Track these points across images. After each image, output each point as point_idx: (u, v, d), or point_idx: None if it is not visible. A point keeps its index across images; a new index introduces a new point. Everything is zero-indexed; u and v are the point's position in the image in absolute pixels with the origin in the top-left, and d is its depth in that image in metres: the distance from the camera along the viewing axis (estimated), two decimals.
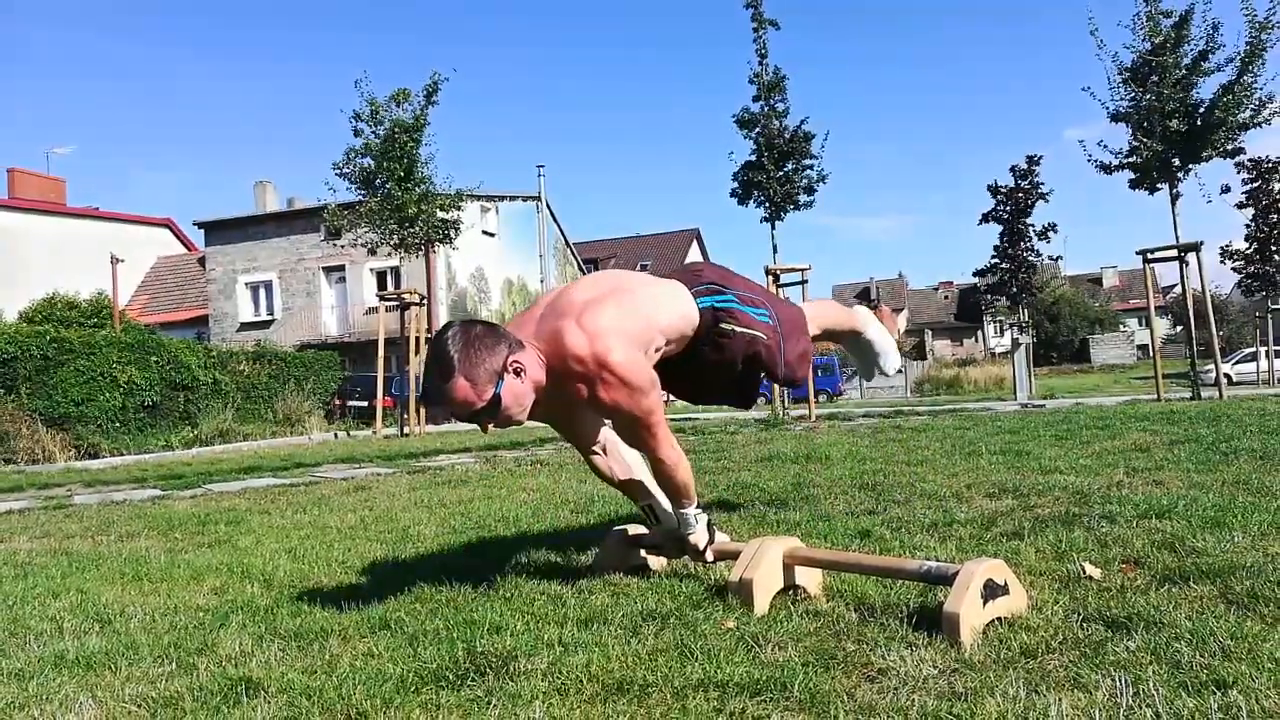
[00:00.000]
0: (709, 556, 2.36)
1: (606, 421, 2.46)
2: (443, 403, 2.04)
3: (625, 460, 2.50)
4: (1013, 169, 22.93)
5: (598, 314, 2.13)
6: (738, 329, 2.41)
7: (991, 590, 1.78)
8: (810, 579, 2.14)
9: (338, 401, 17.46)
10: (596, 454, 2.49)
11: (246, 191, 58.37)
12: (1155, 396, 10.87)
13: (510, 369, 2.05)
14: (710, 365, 2.46)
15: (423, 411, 12.38)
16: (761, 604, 2.01)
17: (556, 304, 2.24)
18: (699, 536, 2.34)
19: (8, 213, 29.07)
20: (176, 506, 4.98)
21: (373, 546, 3.24)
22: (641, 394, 2.12)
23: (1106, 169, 11.60)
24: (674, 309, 2.34)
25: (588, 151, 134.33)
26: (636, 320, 2.20)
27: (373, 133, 13.32)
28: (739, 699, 1.48)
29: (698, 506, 2.36)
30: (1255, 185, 21.36)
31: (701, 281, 2.45)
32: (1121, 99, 11.33)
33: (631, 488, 2.51)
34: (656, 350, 2.30)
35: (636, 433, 2.24)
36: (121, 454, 11.55)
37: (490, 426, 2.10)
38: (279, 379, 16.09)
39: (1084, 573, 2.10)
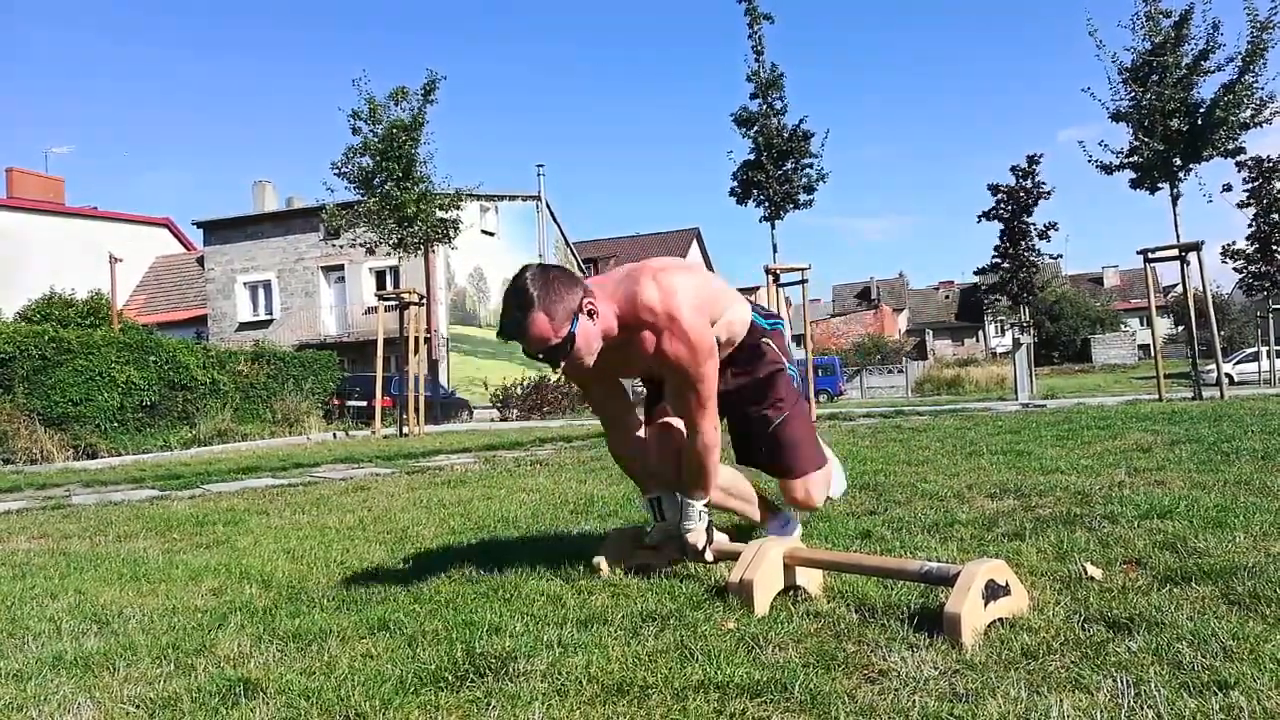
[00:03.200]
0: (708, 556, 2.35)
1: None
2: (519, 337, 2.11)
3: (653, 445, 2.52)
4: (1013, 168, 22.89)
5: (674, 277, 2.25)
6: (773, 347, 2.54)
7: (993, 591, 1.77)
8: (811, 580, 2.13)
9: (336, 401, 17.42)
10: (621, 429, 2.54)
11: (245, 191, 58.42)
12: (1157, 396, 10.86)
13: (585, 310, 2.13)
14: (738, 373, 2.53)
15: (422, 411, 12.37)
16: (762, 604, 2.00)
17: (634, 269, 2.33)
18: (697, 535, 2.34)
19: (7, 212, 29.08)
20: (174, 507, 4.97)
21: (372, 547, 3.23)
22: (701, 355, 2.20)
23: (1107, 169, 11.60)
24: (737, 307, 2.47)
25: (588, 151, 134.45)
26: (707, 294, 2.33)
27: (371, 132, 13.31)
28: (739, 700, 1.47)
29: (706, 503, 2.36)
30: (1256, 184, 21.33)
31: (757, 306, 2.61)
32: (1122, 99, 11.33)
33: (645, 472, 2.52)
34: (715, 340, 2.35)
35: (686, 398, 2.27)
36: (120, 454, 11.52)
37: (560, 368, 2.16)
38: (278, 379, 16.05)
39: (1085, 573, 2.10)
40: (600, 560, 2.47)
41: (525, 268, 2.16)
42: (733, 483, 2.67)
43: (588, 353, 2.16)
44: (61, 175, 34.72)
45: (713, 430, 2.27)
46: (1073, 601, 1.91)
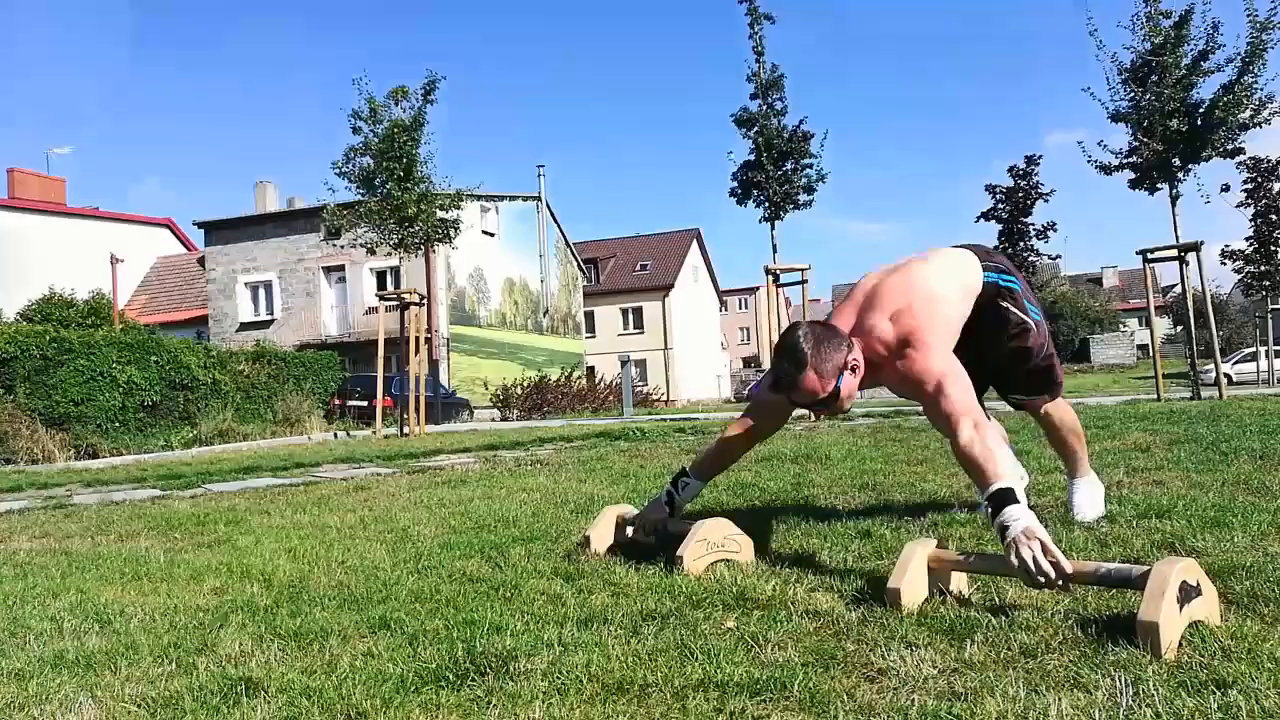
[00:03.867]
0: (1066, 568, 1.82)
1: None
2: (792, 390, 2.31)
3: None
4: (1011, 169, 22.94)
5: (907, 308, 2.39)
6: (1014, 310, 2.63)
7: (1186, 593, 1.65)
8: (960, 582, 2.04)
9: (337, 401, 17.44)
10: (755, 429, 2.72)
11: (247, 192, 58.42)
12: (1155, 396, 10.86)
13: (850, 367, 2.33)
14: (987, 335, 2.62)
15: (423, 411, 12.38)
16: (909, 607, 1.90)
17: (871, 298, 2.48)
18: (1021, 551, 1.84)
19: (8, 213, 29.09)
20: (176, 506, 4.97)
21: (372, 546, 3.23)
22: (932, 377, 2.26)
23: (1106, 170, 11.60)
24: (965, 280, 2.55)
25: (588, 151, 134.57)
26: (936, 309, 2.41)
27: (372, 131, 13.31)
28: (739, 699, 1.48)
29: (1002, 494, 1.96)
30: (1255, 185, 21.36)
31: (993, 260, 2.67)
32: (1121, 99, 11.33)
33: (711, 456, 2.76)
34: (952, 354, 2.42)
35: (932, 410, 2.29)
36: (121, 454, 11.53)
37: (823, 414, 2.42)
38: (279, 379, 16.06)
39: None
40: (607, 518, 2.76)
41: (795, 326, 2.34)
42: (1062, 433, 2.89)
43: (849, 403, 2.38)
44: (63, 176, 34.78)
45: (969, 431, 2.10)
46: (1071, 601, 1.91)
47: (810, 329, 2.33)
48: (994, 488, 1.99)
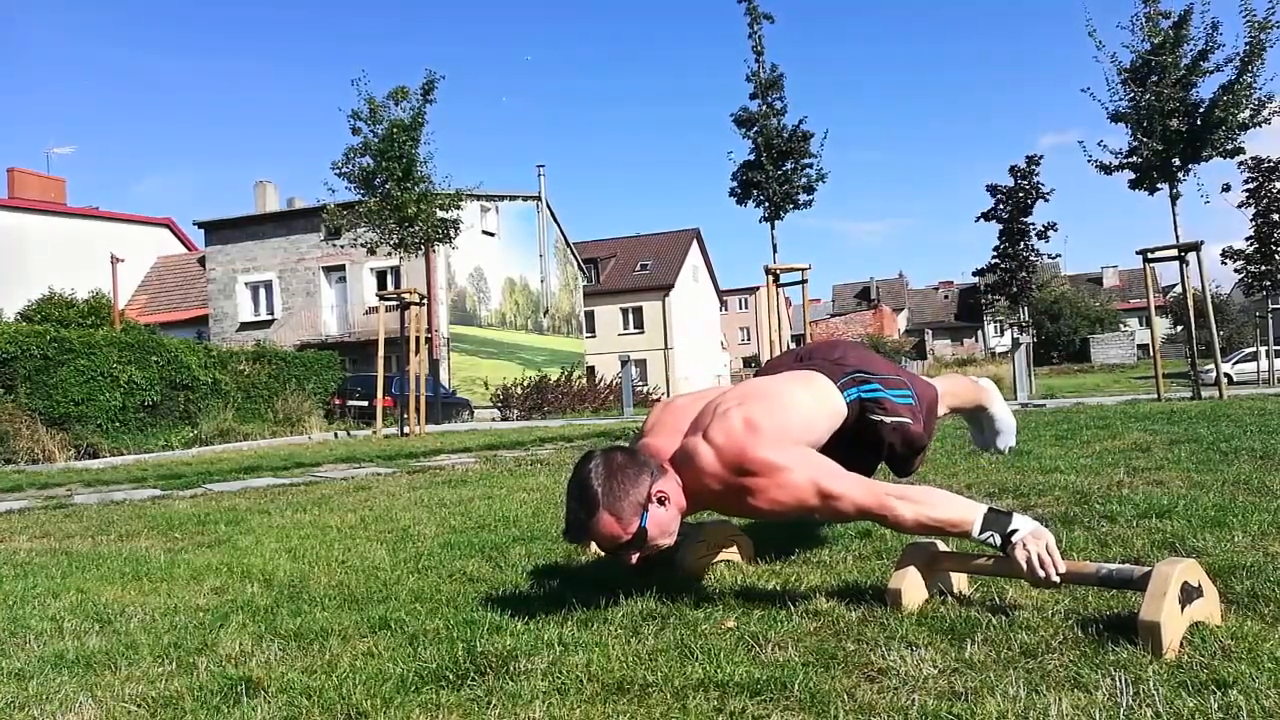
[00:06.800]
0: (1060, 569, 1.82)
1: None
2: (588, 538, 2.00)
3: None
4: (1012, 169, 22.93)
5: (732, 427, 2.00)
6: (886, 419, 2.28)
7: (1188, 594, 1.63)
8: (960, 582, 2.05)
9: (338, 401, 17.44)
10: None
11: (247, 191, 58.52)
12: (1155, 396, 10.87)
13: (654, 499, 1.99)
14: (862, 452, 2.32)
15: (423, 411, 12.38)
16: (910, 606, 1.91)
17: (694, 422, 2.14)
18: (1027, 548, 1.83)
19: (8, 212, 29.10)
20: (176, 506, 4.98)
21: (373, 546, 3.24)
22: (805, 491, 1.94)
23: (1106, 169, 11.60)
24: (820, 412, 2.19)
25: (588, 151, 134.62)
26: (778, 427, 2.05)
27: (371, 132, 13.30)
28: (739, 698, 1.48)
29: (994, 515, 1.90)
30: (1256, 184, 21.35)
31: (846, 371, 2.30)
32: (1121, 99, 11.34)
33: None
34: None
35: (843, 518, 2.10)
36: (121, 454, 11.53)
37: (636, 558, 2.01)
38: (279, 379, 16.06)
39: None
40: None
41: (587, 458, 2.01)
42: (956, 401, 2.80)
43: (664, 540, 2.03)
44: (63, 176, 34.80)
45: (900, 506, 1.91)
46: (1072, 600, 1.91)
47: (603, 460, 1.99)
48: (980, 516, 1.89)
